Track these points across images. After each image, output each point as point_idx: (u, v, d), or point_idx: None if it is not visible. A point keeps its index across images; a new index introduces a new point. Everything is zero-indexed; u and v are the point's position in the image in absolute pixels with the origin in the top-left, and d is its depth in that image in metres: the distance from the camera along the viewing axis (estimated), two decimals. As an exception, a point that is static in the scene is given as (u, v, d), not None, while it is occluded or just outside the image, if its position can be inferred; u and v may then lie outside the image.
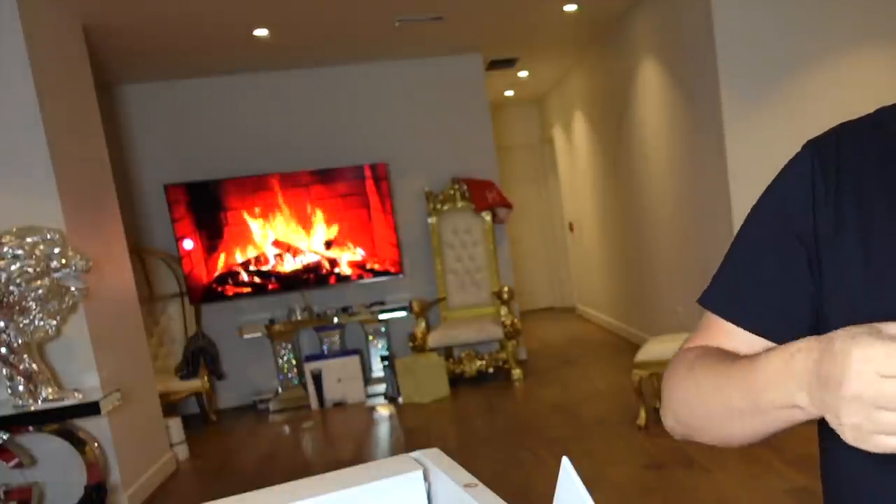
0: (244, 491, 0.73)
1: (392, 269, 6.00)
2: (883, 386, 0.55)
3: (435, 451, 0.77)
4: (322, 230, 5.94)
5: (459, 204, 6.06)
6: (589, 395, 5.00)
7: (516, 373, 5.70)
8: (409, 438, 4.71)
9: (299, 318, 5.79)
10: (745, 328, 0.80)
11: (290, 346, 5.84)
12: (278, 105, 5.97)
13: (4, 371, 3.23)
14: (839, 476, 0.79)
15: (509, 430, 4.57)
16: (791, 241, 0.77)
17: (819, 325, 0.76)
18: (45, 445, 3.45)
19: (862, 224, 0.72)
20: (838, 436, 0.61)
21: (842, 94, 4.07)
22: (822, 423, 0.77)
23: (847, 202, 0.73)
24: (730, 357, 0.76)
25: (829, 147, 0.77)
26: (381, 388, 5.75)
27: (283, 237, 5.90)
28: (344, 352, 5.81)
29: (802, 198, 0.76)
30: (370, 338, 5.98)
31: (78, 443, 3.39)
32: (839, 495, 0.80)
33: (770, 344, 0.76)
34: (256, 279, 5.87)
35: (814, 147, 0.78)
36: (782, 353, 0.65)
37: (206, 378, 5.49)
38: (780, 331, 0.76)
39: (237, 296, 5.86)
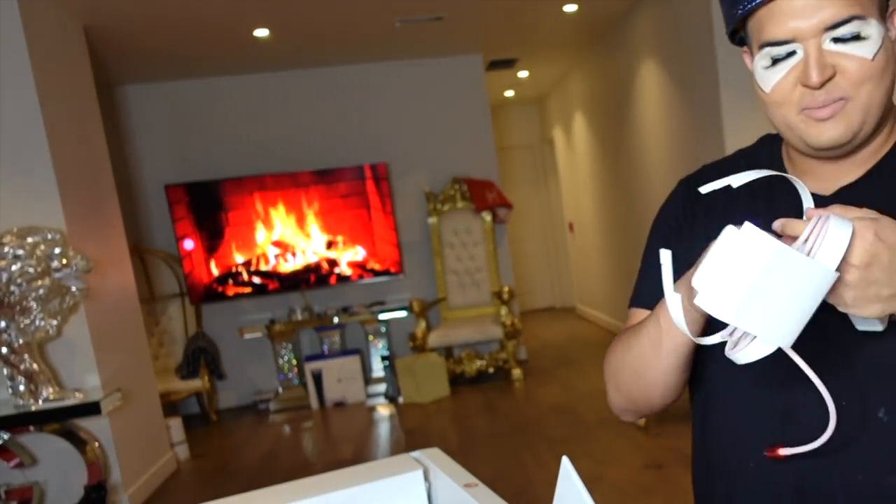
0: (244, 491, 0.73)
1: (392, 269, 6.00)
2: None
3: (435, 450, 0.78)
4: (322, 230, 5.94)
5: (459, 204, 6.06)
6: (589, 395, 5.00)
7: (516, 373, 5.71)
8: (409, 438, 4.71)
9: (299, 318, 5.79)
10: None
11: (290, 346, 5.84)
12: (278, 105, 5.97)
13: (5, 371, 3.23)
14: (709, 403, 0.97)
15: (509, 430, 4.57)
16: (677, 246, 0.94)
17: None
18: (45, 445, 3.46)
19: (707, 233, 0.86)
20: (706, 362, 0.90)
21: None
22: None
23: (700, 219, 0.98)
24: None
25: (694, 182, 0.99)
26: (382, 388, 5.75)
27: (283, 237, 5.90)
28: (344, 352, 5.81)
29: (678, 218, 1.01)
30: (370, 338, 5.98)
31: (79, 443, 3.40)
32: (712, 424, 0.97)
33: None
34: (257, 279, 5.87)
35: (686, 183, 1.04)
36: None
37: (206, 378, 5.49)
38: None
39: (237, 296, 5.87)
